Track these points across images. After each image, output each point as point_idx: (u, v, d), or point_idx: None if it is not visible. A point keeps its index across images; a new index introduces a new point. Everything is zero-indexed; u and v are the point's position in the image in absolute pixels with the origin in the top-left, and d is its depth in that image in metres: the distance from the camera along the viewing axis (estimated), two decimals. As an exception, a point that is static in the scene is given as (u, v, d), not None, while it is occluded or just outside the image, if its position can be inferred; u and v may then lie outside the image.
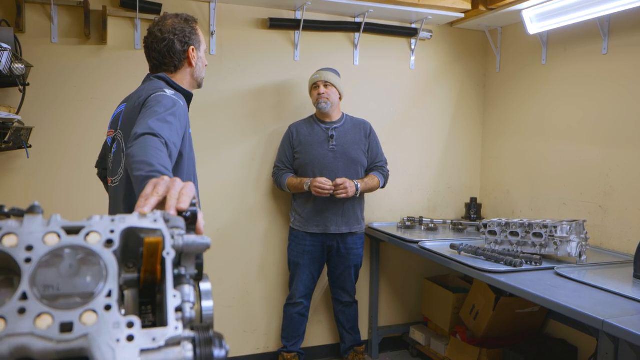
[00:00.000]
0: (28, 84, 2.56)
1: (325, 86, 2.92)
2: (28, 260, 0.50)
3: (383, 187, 3.14)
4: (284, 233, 3.24)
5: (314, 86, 2.97)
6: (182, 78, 1.83)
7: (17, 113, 2.56)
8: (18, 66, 2.35)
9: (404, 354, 3.54)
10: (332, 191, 2.83)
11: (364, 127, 3.07)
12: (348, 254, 3.04)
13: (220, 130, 3.09)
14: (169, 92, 1.63)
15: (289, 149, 3.02)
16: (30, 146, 2.60)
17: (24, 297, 0.48)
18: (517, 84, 3.42)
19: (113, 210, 1.76)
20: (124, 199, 1.67)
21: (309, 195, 2.93)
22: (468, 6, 3.21)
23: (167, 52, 1.78)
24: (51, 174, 2.78)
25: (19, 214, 0.53)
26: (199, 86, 1.92)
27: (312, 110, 3.11)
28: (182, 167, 1.66)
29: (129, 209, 1.61)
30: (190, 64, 1.83)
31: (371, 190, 3.05)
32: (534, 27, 3.03)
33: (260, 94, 3.17)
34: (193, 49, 1.82)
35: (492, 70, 3.64)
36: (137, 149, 1.31)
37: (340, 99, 3.00)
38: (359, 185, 2.92)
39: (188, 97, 1.79)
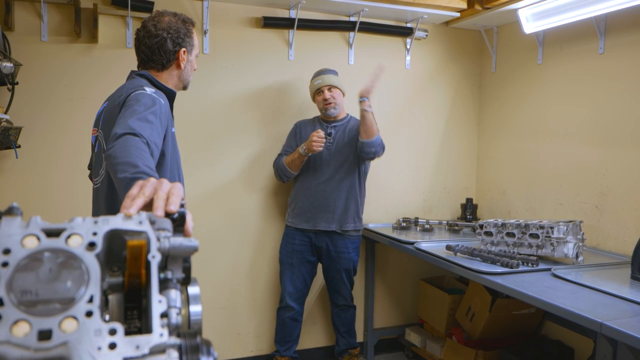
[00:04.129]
0: (17, 83, 2.53)
1: (330, 90, 2.90)
2: (5, 264, 0.47)
3: (377, 151, 2.87)
4: (278, 235, 3.21)
5: (317, 92, 2.93)
6: (168, 78, 1.79)
7: (6, 112, 2.52)
8: (6, 65, 2.31)
9: (399, 356, 3.52)
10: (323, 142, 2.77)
11: None
12: (338, 257, 2.98)
13: (213, 129, 3.06)
14: (149, 90, 1.59)
15: (294, 143, 3.00)
16: (19, 146, 2.56)
17: (0, 303, 0.46)
18: (513, 83, 3.41)
19: (96, 213, 1.72)
20: (105, 201, 1.63)
21: (305, 188, 2.91)
22: (464, 5, 3.20)
23: (157, 49, 1.74)
24: (41, 174, 2.73)
25: (-5, 215, 0.51)
26: (184, 88, 1.88)
27: (307, 109, 3.09)
28: (164, 166, 1.62)
29: (111, 211, 1.57)
30: (179, 66, 1.79)
31: (370, 127, 2.80)
32: (529, 26, 3.02)
33: (253, 93, 3.14)
34: (184, 52, 1.78)
35: (488, 69, 3.63)
36: (118, 150, 1.26)
37: (343, 96, 2.98)
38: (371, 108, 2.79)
39: (171, 95, 1.75)
